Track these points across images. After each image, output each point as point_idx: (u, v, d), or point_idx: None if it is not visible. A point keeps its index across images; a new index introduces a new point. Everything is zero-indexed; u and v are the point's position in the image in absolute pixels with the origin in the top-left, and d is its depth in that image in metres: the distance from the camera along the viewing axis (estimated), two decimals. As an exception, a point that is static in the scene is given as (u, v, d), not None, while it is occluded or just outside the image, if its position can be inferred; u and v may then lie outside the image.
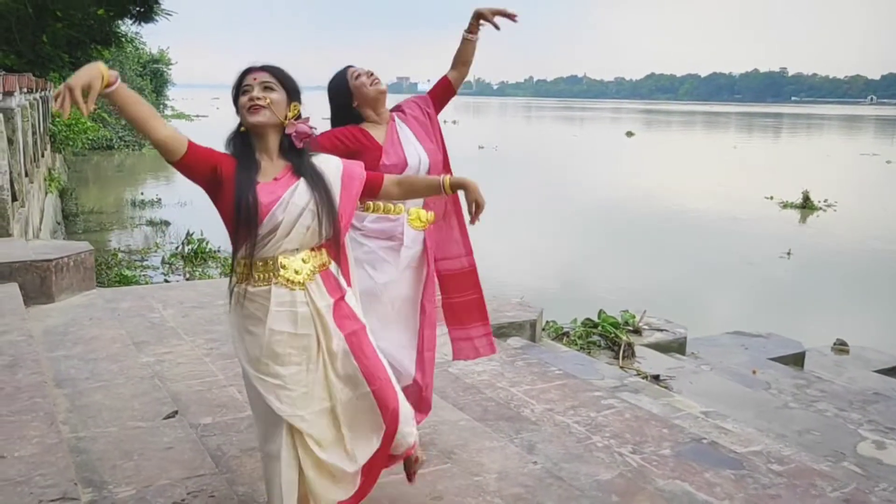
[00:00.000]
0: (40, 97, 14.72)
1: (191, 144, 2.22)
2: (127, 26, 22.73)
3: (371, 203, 3.11)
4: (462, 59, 3.36)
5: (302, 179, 2.31)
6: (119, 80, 2.10)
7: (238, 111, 2.32)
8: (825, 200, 21.31)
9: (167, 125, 2.21)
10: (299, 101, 2.37)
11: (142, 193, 20.18)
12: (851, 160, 38.79)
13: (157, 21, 18.47)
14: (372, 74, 3.14)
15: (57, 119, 18.59)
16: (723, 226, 18.39)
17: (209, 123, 55.04)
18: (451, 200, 3.42)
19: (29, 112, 10.65)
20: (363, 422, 2.45)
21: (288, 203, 2.26)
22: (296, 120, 2.35)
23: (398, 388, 2.54)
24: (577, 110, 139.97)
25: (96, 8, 17.28)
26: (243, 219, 2.20)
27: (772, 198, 22.45)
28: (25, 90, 10.51)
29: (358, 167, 2.49)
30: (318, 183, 2.32)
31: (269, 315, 2.28)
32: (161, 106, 56.97)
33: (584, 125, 79.11)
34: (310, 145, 2.39)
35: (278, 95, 2.31)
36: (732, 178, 28.88)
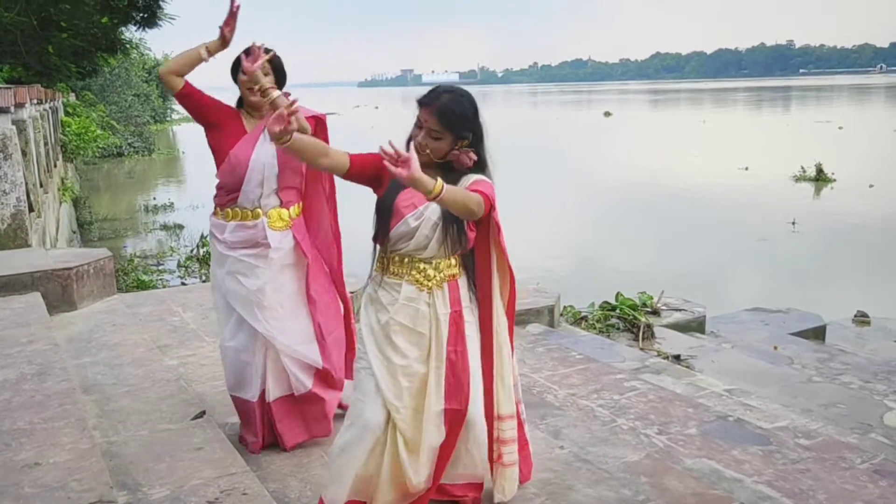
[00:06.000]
0: (50, 108, 14.81)
1: (352, 160, 2.46)
2: (131, 33, 22.78)
3: (230, 210, 3.21)
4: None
5: None
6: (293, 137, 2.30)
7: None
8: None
9: (328, 154, 2.44)
10: (465, 138, 2.50)
11: (154, 198, 20.28)
12: (807, 128, 41.11)
13: (160, 26, 18.46)
14: (255, 85, 3.08)
15: (67, 129, 18.71)
16: (730, 201, 18.31)
17: (217, 125, 55.02)
18: (329, 199, 3.44)
19: (40, 123, 10.73)
20: (432, 437, 2.57)
21: (423, 214, 2.48)
22: (460, 150, 2.51)
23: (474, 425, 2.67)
24: (579, 94, 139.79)
25: (100, 16, 17.29)
26: (380, 219, 2.48)
27: (747, 168, 23.17)
28: (35, 101, 10.58)
29: (490, 191, 2.50)
30: None
31: (395, 306, 2.51)
32: (168, 110, 57.24)
33: (570, 108, 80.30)
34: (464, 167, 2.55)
35: (441, 144, 2.49)
36: (702, 151, 30.11)
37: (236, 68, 3.15)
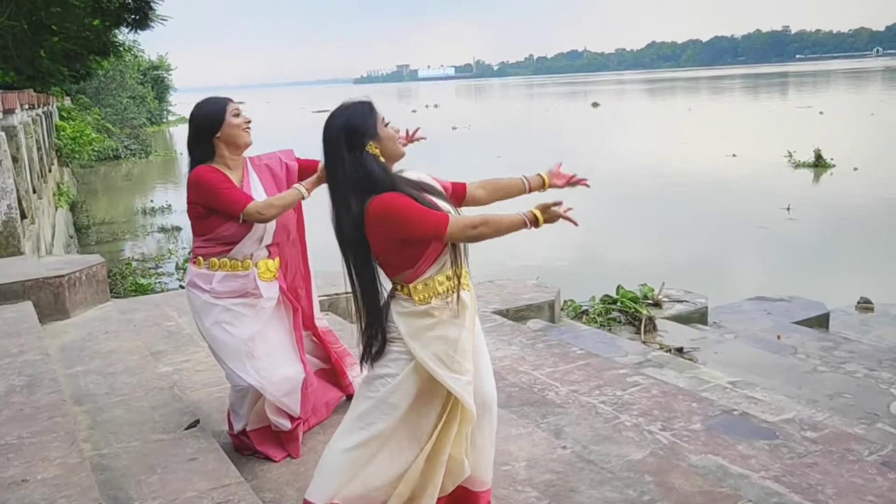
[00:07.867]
0: (43, 112, 14.71)
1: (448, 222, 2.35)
2: (124, 35, 22.68)
3: (216, 259, 3.10)
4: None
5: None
6: None
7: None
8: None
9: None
10: None
11: (151, 201, 20.22)
12: (788, 114, 42.25)
13: (152, 27, 18.37)
14: (249, 122, 3.09)
15: (62, 133, 18.62)
16: (727, 190, 18.22)
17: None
18: (298, 241, 3.40)
19: (32, 128, 10.64)
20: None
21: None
22: None
23: None
24: (573, 85, 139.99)
25: (91, 19, 17.20)
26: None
27: (735, 155, 23.42)
28: (27, 106, 10.49)
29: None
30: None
31: (468, 316, 2.43)
32: (164, 112, 57.10)
33: (562, 100, 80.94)
34: None
35: None
36: (688, 139, 30.63)
37: (212, 121, 3.02)
